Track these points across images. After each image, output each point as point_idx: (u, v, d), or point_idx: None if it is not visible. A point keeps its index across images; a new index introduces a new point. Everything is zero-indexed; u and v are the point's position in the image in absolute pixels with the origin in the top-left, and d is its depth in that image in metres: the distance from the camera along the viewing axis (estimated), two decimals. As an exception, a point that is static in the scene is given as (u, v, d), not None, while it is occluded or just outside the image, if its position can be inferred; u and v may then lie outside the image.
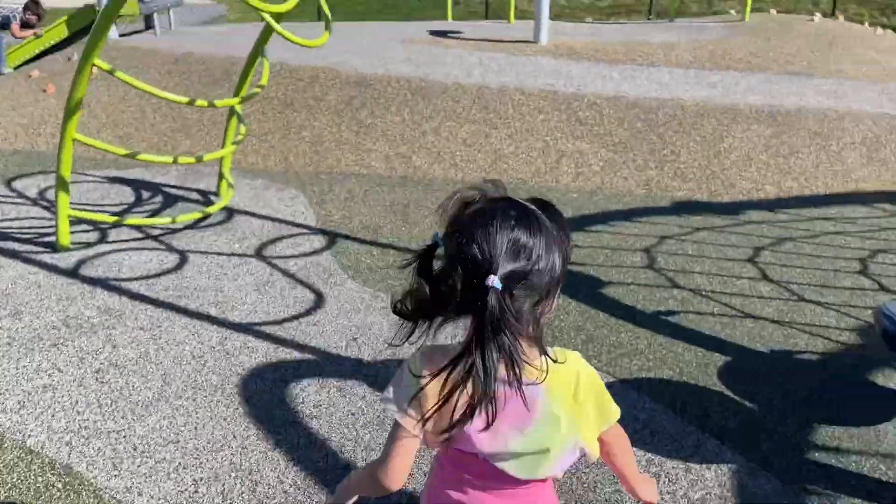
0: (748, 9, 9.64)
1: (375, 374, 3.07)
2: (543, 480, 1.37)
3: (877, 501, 2.42)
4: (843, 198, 5.34)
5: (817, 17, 9.88)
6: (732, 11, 11.01)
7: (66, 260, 4.08)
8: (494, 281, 1.15)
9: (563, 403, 1.31)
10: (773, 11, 11.11)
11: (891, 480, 2.52)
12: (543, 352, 1.24)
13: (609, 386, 2.98)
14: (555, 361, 1.26)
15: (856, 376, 3.16)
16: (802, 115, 6.12)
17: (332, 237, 4.58)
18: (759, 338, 3.46)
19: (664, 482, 2.48)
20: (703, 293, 3.92)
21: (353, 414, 2.80)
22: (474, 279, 1.16)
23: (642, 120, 6.21)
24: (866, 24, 10.84)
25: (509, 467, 1.31)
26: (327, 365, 3.15)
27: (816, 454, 2.65)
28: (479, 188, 1.27)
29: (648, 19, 13.86)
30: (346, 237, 4.59)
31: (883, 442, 2.72)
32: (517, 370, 1.19)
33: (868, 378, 3.15)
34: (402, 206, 5.15)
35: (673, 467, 2.55)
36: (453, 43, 8.48)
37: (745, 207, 5.14)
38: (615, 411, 1.40)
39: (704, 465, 2.57)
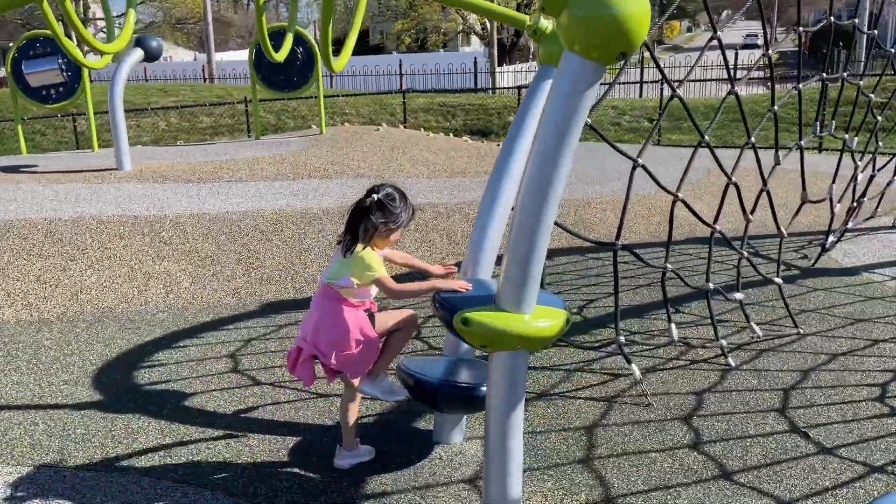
0: (323, 122, 10.79)
1: None
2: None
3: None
4: (400, 277, 6.22)
5: (383, 126, 11.48)
6: (313, 126, 12.18)
7: None
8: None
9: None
10: (348, 125, 12.60)
11: (424, 506, 3.03)
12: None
13: (184, 495, 3.07)
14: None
15: (403, 425, 3.72)
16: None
17: None
18: (327, 413, 3.87)
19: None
20: (280, 384, 4.25)
21: None
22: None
23: (226, 233, 6.53)
24: (423, 130, 12.91)
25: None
26: None
27: (367, 503, 3.05)
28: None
29: (248, 137, 14.59)
30: None
31: (418, 478, 3.25)
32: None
33: (412, 425, 3.73)
34: (-40, 361, 4.64)
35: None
36: (26, 178, 7.97)
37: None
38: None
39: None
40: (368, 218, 2.98)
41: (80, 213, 6.60)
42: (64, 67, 9.14)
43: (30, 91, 9.23)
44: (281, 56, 3.58)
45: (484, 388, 3.14)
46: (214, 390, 4.19)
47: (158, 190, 7.56)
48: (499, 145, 12.79)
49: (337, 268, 3.06)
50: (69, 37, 10.04)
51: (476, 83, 28.03)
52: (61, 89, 9.27)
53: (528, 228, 2.59)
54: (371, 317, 3.17)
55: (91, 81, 9.67)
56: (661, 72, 4.15)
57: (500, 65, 34.08)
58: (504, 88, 23.32)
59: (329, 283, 3.08)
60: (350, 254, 3.00)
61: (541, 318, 2.71)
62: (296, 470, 3.32)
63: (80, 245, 6.15)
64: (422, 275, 3.29)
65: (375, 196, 2.99)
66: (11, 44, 9.49)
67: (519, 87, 18.62)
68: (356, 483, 3.20)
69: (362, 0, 2.71)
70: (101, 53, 6.73)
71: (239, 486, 3.20)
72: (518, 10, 25.82)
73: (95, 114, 9.76)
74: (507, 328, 2.64)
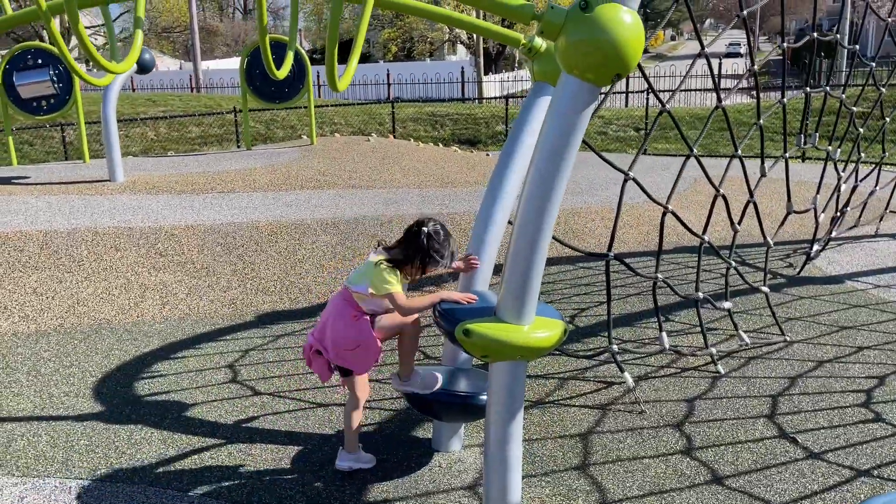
0: (314, 133, 10.86)
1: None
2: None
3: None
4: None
5: (373, 137, 11.57)
6: (304, 136, 12.25)
7: None
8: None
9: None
10: (338, 135, 12.68)
11: (425, 512, 3.10)
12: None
13: (190, 503, 3.12)
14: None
15: (402, 434, 3.79)
16: (361, 222, 7.11)
17: None
18: (327, 423, 3.94)
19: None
20: (280, 394, 4.31)
21: None
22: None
23: (221, 244, 6.58)
24: (412, 140, 13.01)
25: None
26: None
27: (368, 509, 3.13)
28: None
29: (238, 147, 14.63)
30: None
31: (418, 485, 3.32)
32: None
33: (411, 434, 3.81)
34: (-41, 373, 4.67)
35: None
36: (18, 189, 7.99)
37: (320, 309, 5.75)
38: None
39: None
40: (417, 250, 3.15)
41: (75, 224, 6.63)
42: (55, 79, 9.17)
43: (21, 102, 9.24)
44: (282, 73, 3.66)
45: (482, 397, 3.23)
46: (215, 401, 4.24)
47: (152, 201, 7.60)
48: (488, 155, 12.93)
49: (357, 274, 3.22)
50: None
51: (463, 92, 28.21)
52: (52, 101, 9.29)
53: (527, 243, 2.68)
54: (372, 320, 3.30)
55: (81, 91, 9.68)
56: (651, 87, 4.26)
57: (486, 73, 34.32)
58: (491, 98, 23.49)
59: (347, 287, 3.24)
60: (375, 262, 3.16)
61: (540, 329, 2.80)
62: (298, 478, 3.39)
63: (75, 257, 6.19)
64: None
65: (426, 229, 3.15)
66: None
67: (506, 97, 18.78)
68: (358, 490, 3.27)
69: (364, 21, 2.79)
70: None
71: (243, 494, 3.26)
72: (502, 27, 26.08)
73: (85, 124, 9.79)
74: (507, 339, 2.73)
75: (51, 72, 9.12)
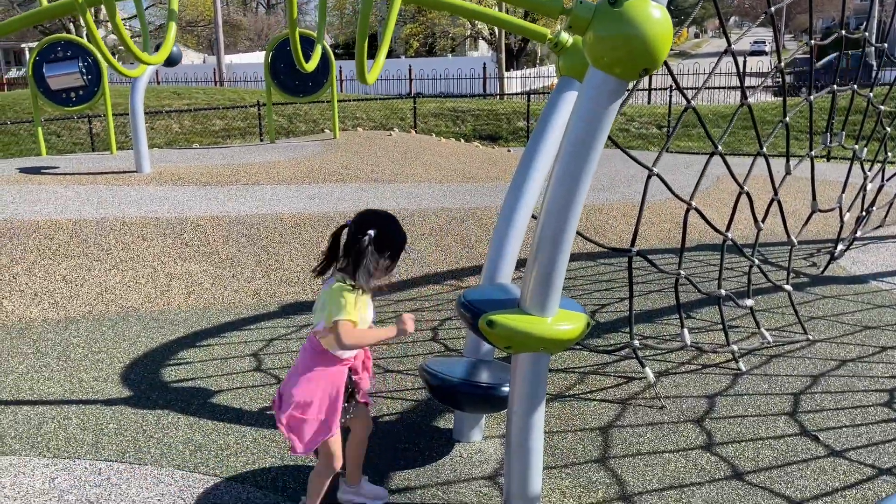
0: (337, 127, 10.94)
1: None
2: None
3: (434, 520, 3.00)
4: (418, 280, 6.36)
5: (395, 131, 11.62)
6: (326, 130, 12.34)
7: None
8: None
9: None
10: (360, 129, 12.75)
11: (445, 502, 3.14)
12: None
13: (215, 487, 3.21)
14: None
15: (424, 424, 3.84)
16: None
17: None
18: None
19: (262, 558, 2.75)
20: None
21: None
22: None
23: (245, 235, 6.67)
24: (434, 135, 13.05)
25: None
26: None
27: (392, 497, 3.18)
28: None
29: (261, 140, 14.75)
30: (-81, 402, 4.13)
31: (440, 474, 3.37)
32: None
33: (432, 424, 3.85)
34: (-9, 357, 4.79)
35: (271, 542, 2.85)
36: (48, 179, 8.13)
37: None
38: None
39: (299, 533, 2.92)
40: (361, 257, 2.64)
41: (104, 214, 6.75)
42: (84, 71, 9.32)
43: (50, 94, 9.41)
44: (311, 66, 3.72)
45: (504, 388, 3.26)
46: (240, 388, 4.32)
47: (178, 192, 7.71)
48: (509, 150, 12.95)
49: (318, 305, 2.73)
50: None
51: (485, 88, 28.19)
52: (81, 92, 9.44)
53: (551, 235, 2.71)
54: (351, 380, 2.84)
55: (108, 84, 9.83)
56: (677, 84, 4.26)
57: (508, 70, 34.26)
58: (513, 94, 23.47)
59: (314, 332, 2.76)
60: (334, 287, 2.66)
61: (563, 321, 2.83)
62: (322, 465, 3.44)
63: (104, 246, 6.30)
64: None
65: (371, 233, 2.65)
66: (23, 45, 9.68)
67: (528, 93, 18.75)
68: (380, 478, 3.32)
69: (392, 16, 2.83)
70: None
71: (268, 479, 3.32)
72: (525, 20, 25.98)
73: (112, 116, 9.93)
74: (530, 330, 2.76)
75: (80, 64, 9.27)
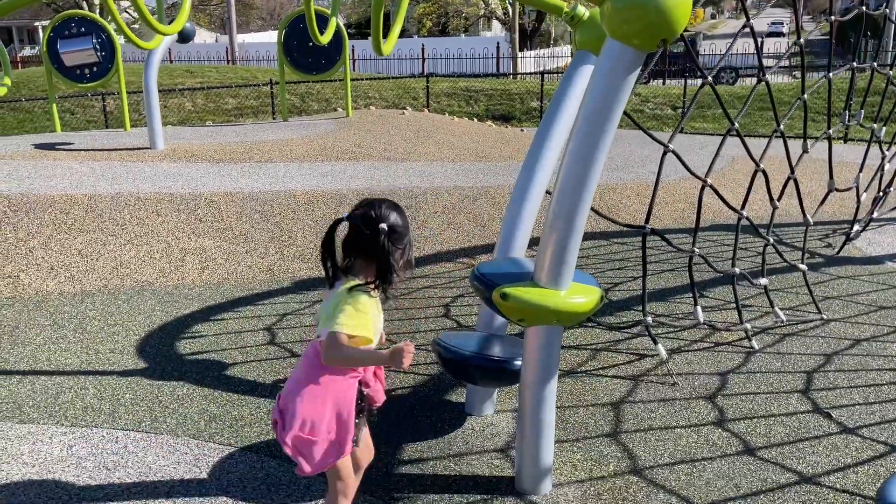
0: (349, 105, 10.91)
1: (-23, 504, 2.91)
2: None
3: (446, 493, 3.03)
4: (431, 258, 6.37)
5: (408, 110, 11.58)
6: (339, 109, 12.31)
7: None
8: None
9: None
10: (373, 108, 12.71)
11: (459, 473, 3.17)
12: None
13: (230, 456, 3.24)
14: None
15: (435, 398, 3.86)
16: (395, 193, 7.16)
17: (-79, 375, 4.15)
18: (362, 385, 4.02)
19: (276, 524, 2.79)
20: (317, 357, 4.40)
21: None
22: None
23: (259, 212, 6.69)
24: (447, 114, 13.00)
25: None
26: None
27: (403, 468, 3.21)
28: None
29: (274, 118, 14.75)
30: (-61, 371, 4.20)
31: (452, 446, 3.39)
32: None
33: (444, 398, 3.88)
34: (9, 329, 4.85)
35: (285, 510, 2.89)
36: (63, 155, 8.17)
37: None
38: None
39: (312, 502, 2.96)
40: (387, 256, 2.32)
41: (118, 189, 6.79)
42: (98, 47, 9.32)
43: (65, 70, 9.43)
44: (325, 38, 3.72)
45: (516, 362, 3.27)
46: (253, 361, 4.36)
47: (192, 169, 7.74)
48: (522, 130, 12.88)
49: (326, 310, 2.37)
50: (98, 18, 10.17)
51: (498, 68, 28.02)
52: (95, 69, 9.45)
53: (566, 208, 2.71)
54: (362, 394, 2.47)
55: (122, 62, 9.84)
56: (695, 61, 4.22)
57: (521, 50, 33.99)
58: (527, 74, 23.30)
59: (316, 337, 2.41)
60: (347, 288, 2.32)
61: (576, 294, 2.84)
62: (335, 437, 3.47)
63: (118, 221, 6.34)
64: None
65: (384, 225, 2.32)
66: (36, 23, 9.71)
67: (542, 73, 18.62)
68: (393, 450, 3.35)
69: (408, -14, 2.81)
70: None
71: (282, 450, 3.35)
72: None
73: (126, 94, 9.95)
74: (544, 303, 2.77)
75: (94, 40, 9.27)
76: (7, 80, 7.29)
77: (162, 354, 4.46)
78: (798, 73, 23.69)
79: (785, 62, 24.44)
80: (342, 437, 2.39)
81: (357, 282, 2.33)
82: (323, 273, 2.45)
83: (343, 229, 2.40)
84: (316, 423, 2.34)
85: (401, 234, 2.37)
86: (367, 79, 18.76)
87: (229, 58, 30.91)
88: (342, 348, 2.27)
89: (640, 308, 4.32)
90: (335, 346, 2.27)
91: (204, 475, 3.14)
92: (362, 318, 2.30)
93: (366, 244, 2.32)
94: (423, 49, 29.52)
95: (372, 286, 2.33)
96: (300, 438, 2.36)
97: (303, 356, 2.46)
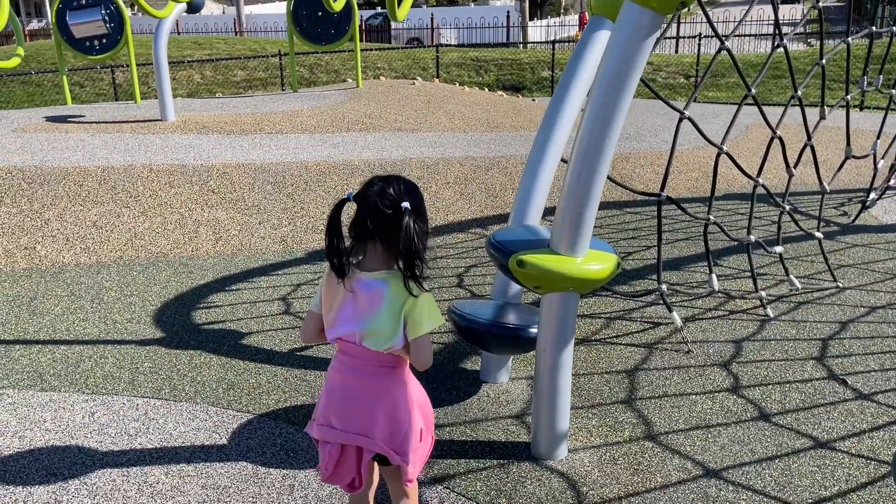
0: (360, 76, 10.84)
1: (4, 472, 2.97)
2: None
3: (463, 458, 3.06)
4: (443, 228, 6.37)
5: (418, 80, 11.49)
6: (349, 79, 12.24)
7: None
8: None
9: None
10: (383, 78, 12.62)
11: (475, 439, 3.20)
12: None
13: (248, 423, 3.28)
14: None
15: (450, 366, 3.89)
16: (407, 164, 7.14)
17: (-57, 344, 4.21)
18: (377, 353, 4.05)
19: (299, 489, 2.83)
20: (332, 326, 4.43)
21: (-24, 513, 2.70)
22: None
23: (271, 183, 6.70)
24: (457, 84, 12.89)
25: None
26: (-57, 473, 2.96)
27: (420, 433, 3.24)
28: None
29: (283, 90, 14.69)
30: (-39, 341, 4.26)
31: (467, 412, 3.42)
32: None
33: (459, 365, 3.90)
34: (27, 299, 4.90)
35: (306, 476, 2.93)
36: (74, 127, 8.18)
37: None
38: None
39: (331, 466, 3.00)
40: (411, 240, 2.00)
41: (131, 161, 6.80)
42: (106, 19, 9.28)
43: (74, 42, 9.40)
44: (338, 6, 3.67)
45: (531, 329, 3.28)
46: (269, 330, 4.39)
47: (203, 140, 7.73)
48: (534, 100, 12.78)
49: (386, 321, 2.06)
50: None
51: (508, 37, 27.71)
52: (104, 41, 9.42)
53: (583, 174, 2.69)
54: None
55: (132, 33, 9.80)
56: (712, 25, 4.15)
57: (531, 19, 33.56)
58: (537, 43, 23.04)
59: (386, 350, 2.10)
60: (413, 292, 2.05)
61: (593, 261, 2.83)
62: (352, 404, 3.51)
63: (132, 192, 6.36)
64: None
65: (406, 205, 2.00)
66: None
67: (553, 42, 18.40)
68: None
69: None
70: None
71: (300, 416, 3.40)
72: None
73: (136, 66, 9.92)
74: (560, 270, 2.76)
75: (102, 11, 9.22)
76: (20, 51, 7.29)
77: (178, 324, 4.51)
78: (812, 41, 23.32)
79: (800, 29, 24.03)
80: (432, 429, 2.29)
81: (421, 290, 2.06)
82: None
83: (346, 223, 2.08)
84: (422, 429, 2.19)
85: (424, 213, 2.07)
86: (375, 49, 18.59)
87: (237, 29, 30.71)
88: (430, 351, 2.13)
89: (654, 277, 4.32)
90: (428, 349, 2.12)
91: (224, 441, 3.18)
92: (435, 307, 2.11)
93: (385, 227, 2.00)
94: (432, 18, 29.20)
95: (410, 277, 2.02)
96: (417, 453, 2.17)
97: (352, 372, 2.14)
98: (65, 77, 10.06)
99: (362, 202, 2.02)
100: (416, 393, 2.22)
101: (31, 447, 3.15)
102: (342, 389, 2.16)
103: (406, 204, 2.00)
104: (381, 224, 2.01)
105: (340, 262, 2.04)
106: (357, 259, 2.09)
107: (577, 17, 37.57)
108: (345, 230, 2.07)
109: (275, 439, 3.20)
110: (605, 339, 4.19)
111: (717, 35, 4.15)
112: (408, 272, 2.02)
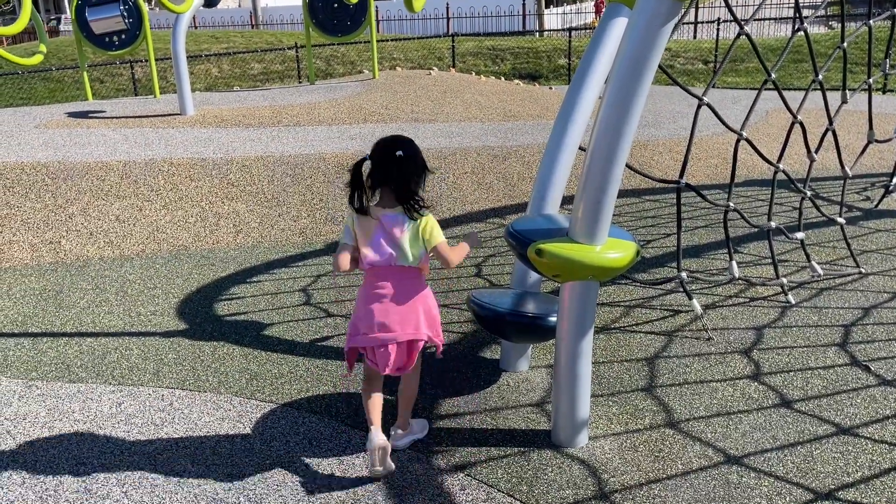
0: (376, 67, 10.85)
1: (35, 463, 3.03)
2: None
3: (483, 446, 3.08)
4: (460, 219, 6.38)
5: (434, 71, 11.48)
6: (365, 71, 12.25)
7: None
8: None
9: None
10: (399, 69, 12.62)
11: (496, 427, 3.22)
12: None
13: (272, 413, 3.32)
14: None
15: (470, 355, 3.91)
16: (426, 155, 7.14)
17: (-27, 337, 4.30)
18: (398, 343, 4.08)
19: (322, 477, 2.87)
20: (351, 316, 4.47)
21: (11, 502, 2.76)
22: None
23: (290, 175, 6.74)
24: (474, 73, 12.86)
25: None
26: (-23, 463, 3.03)
27: (440, 423, 3.27)
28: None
29: (299, 82, 14.74)
30: (-10, 334, 4.35)
31: (488, 401, 3.44)
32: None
33: (479, 354, 3.92)
34: (54, 293, 4.99)
35: (328, 463, 2.97)
36: (96, 123, 8.28)
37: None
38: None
39: (354, 455, 3.03)
40: (408, 177, 2.70)
41: (152, 155, 6.87)
42: (125, 14, 9.35)
43: (93, 38, 9.49)
44: (353, -2, 3.70)
45: (551, 318, 3.29)
46: (290, 321, 4.44)
47: (222, 134, 7.79)
48: (551, 88, 12.72)
49: (408, 244, 2.76)
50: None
51: (524, 25, 27.54)
52: (123, 36, 9.51)
53: (602, 161, 2.69)
54: None
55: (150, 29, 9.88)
56: (730, 9, 4.12)
57: (547, 7, 33.32)
58: (553, 30, 22.89)
59: (408, 264, 2.78)
60: (414, 219, 2.73)
61: (612, 249, 2.83)
62: (373, 393, 3.54)
63: (153, 186, 6.44)
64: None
65: (400, 153, 2.70)
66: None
67: (570, 29, 18.28)
68: (430, 404, 3.41)
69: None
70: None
71: (322, 406, 3.44)
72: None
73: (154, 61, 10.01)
74: (579, 258, 2.77)
75: (121, 7, 9.30)
76: (42, 48, 7.38)
77: (201, 315, 4.57)
78: (833, 24, 22.95)
79: (821, 12, 23.66)
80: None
81: (422, 214, 2.74)
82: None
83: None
84: (437, 314, 2.90)
85: (415, 159, 2.74)
86: (391, 40, 18.59)
87: (253, 22, 30.80)
88: (454, 252, 2.81)
89: (673, 265, 4.31)
90: (451, 252, 2.80)
91: (248, 430, 3.23)
92: (437, 227, 2.79)
93: (388, 172, 2.68)
94: (447, 8, 29.09)
95: (410, 209, 2.71)
96: (439, 332, 2.89)
97: (392, 287, 2.78)
98: (85, 73, 10.17)
99: (373, 157, 2.73)
100: (427, 291, 2.88)
101: (61, 437, 3.22)
102: (385, 303, 2.79)
103: (399, 152, 2.68)
104: (385, 171, 2.69)
105: (361, 205, 2.74)
106: (377, 200, 2.75)
107: (593, 3, 37.18)
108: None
109: (298, 428, 3.24)
110: (624, 327, 4.19)
111: (735, 20, 4.11)
112: (407, 203, 2.71)
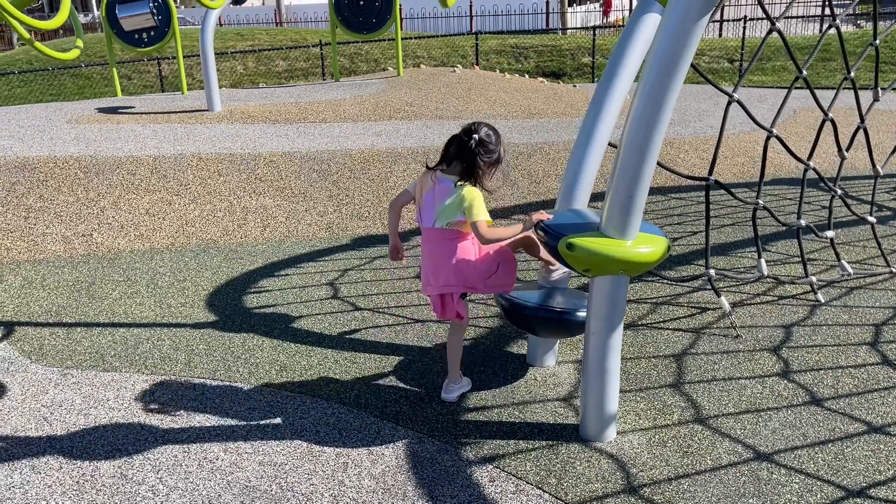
0: (400, 64, 10.89)
1: (72, 448, 3.10)
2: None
3: (512, 439, 3.10)
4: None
5: (458, 68, 11.49)
6: (389, 68, 12.29)
7: None
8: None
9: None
10: (423, 66, 12.65)
11: (524, 420, 3.24)
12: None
13: (302, 403, 3.35)
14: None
15: (497, 350, 3.93)
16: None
17: (8, 327, 4.40)
18: (424, 337, 4.11)
19: (353, 466, 2.91)
20: (380, 310, 4.51)
21: (49, 487, 2.83)
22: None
23: (316, 171, 6.79)
24: (497, 71, 12.85)
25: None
26: (17, 448, 3.10)
27: (468, 416, 3.29)
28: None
29: (324, 80, 14.82)
30: (25, 324, 4.44)
31: (515, 395, 3.46)
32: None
33: (506, 349, 3.94)
34: (86, 284, 5.08)
35: (357, 454, 3.00)
36: (125, 118, 8.40)
37: (414, 234, 5.91)
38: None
39: (383, 445, 3.07)
40: (473, 157, 3.04)
41: (181, 150, 6.96)
42: (155, 11, 9.47)
43: (123, 35, 9.62)
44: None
45: (578, 313, 3.30)
46: (318, 314, 4.48)
47: (249, 130, 7.87)
48: (575, 86, 12.68)
49: (445, 210, 3.11)
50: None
51: (548, 23, 27.46)
52: (153, 33, 9.63)
53: (634, 157, 2.70)
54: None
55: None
56: (762, 5, 4.09)
57: (570, 5, 33.15)
58: (576, 29, 22.80)
59: (446, 227, 3.14)
60: (457, 187, 3.08)
61: (643, 244, 2.84)
62: (401, 384, 3.58)
63: (182, 181, 6.52)
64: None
65: (476, 136, 3.05)
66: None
67: (594, 28, 18.20)
68: (458, 397, 3.43)
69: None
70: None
71: (351, 397, 3.48)
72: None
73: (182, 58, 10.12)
74: (610, 253, 2.78)
75: (150, 4, 9.42)
76: (79, 42, 7.50)
77: (230, 308, 4.63)
78: (862, 23, 22.63)
79: (850, 10, 23.36)
80: (511, 265, 3.34)
81: (471, 187, 3.08)
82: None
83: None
84: (490, 266, 3.25)
85: (489, 147, 3.07)
86: (414, 38, 18.62)
87: (277, 20, 31.00)
88: (491, 230, 3.09)
89: (700, 262, 4.29)
90: (487, 231, 3.07)
91: (278, 420, 3.28)
92: (482, 204, 3.08)
93: (461, 149, 3.06)
94: (471, 6, 29.08)
95: (467, 181, 3.07)
96: (490, 282, 3.26)
97: (432, 247, 3.21)
98: (114, 70, 10.31)
99: (458, 135, 3.11)
100: (476, 246, 3.22)
101: (96, 424, 3.29)
102: (430, 258, 3.24)
103: (476, 136, 3.04)
104: (459, 147, 3.07)
105: (433, 166, 3.18)
106: (444, 167, 3.13)
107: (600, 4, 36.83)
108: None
109: (327, 419, 3.28)
110: (651, 323, 4.19)
111: (768, 16, 4.08)
112: (465, 176, 3.07)
